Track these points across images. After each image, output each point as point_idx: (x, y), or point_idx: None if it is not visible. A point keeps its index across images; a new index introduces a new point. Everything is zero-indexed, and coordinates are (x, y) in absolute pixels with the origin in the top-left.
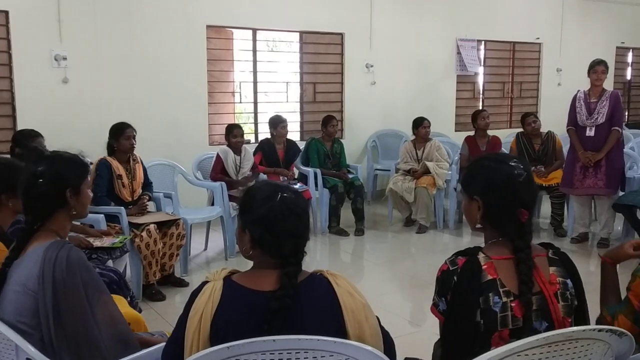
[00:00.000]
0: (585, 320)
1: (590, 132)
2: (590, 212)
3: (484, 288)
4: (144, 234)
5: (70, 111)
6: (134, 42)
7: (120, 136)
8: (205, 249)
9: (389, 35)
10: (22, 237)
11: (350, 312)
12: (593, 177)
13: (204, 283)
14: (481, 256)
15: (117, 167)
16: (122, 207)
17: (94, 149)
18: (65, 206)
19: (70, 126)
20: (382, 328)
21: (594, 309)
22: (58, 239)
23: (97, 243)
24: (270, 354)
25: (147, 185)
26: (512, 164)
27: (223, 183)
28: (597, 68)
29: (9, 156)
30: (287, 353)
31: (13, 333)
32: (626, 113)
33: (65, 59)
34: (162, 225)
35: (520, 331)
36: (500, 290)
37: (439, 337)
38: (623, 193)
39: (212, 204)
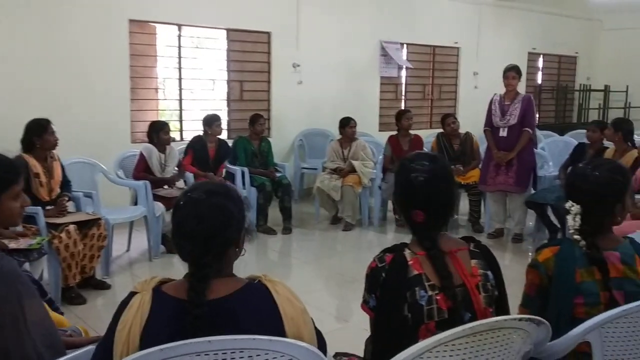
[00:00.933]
0: (505, 310)
1: (503, 133)
2: (505, 209)
3: (411, 283)
4: (63, 235)
5: None
6: (52, 33)
7: (45, 132)
8: (128, 250)
9: (316, 35)
10: None
11: (290, 319)
12: (504, 175)
13: (132, 294)
14: (407, 252)
15: (35, 165)
16: (39, 207)
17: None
18: None
19: None
20: (316, 329)
21: (512, 301)
22: None
23: (12, 245)
24: (205, 355)
25: (65, 184)
26: (416, 166)
27: (147, 182)
28: (508, 74)
29: None
30: (223, 354)
31: None
32: (537, 116)
33: None
34: (82, 226)
35: (445, 323)
36: (426, 284)
37: (366, 331)
38: (535, 191)
39: (136, 204)
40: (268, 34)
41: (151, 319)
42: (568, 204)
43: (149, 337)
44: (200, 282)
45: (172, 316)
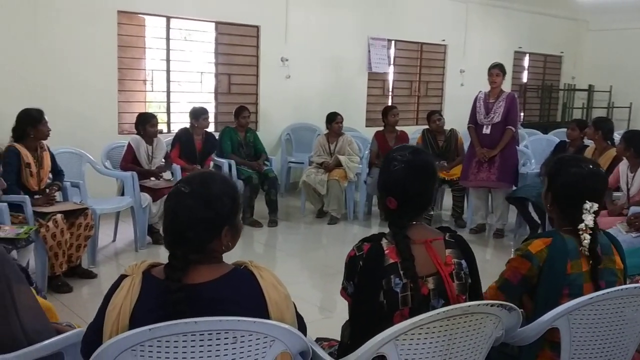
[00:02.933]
0: (478, 297)
1: (486, 130)
2: (487, 205)
3: (386, 271)
4: (50, 223)
5: None
6: (39, 24)
7: (39, 122)
8: (114, 240)
9: (304, 30)
10: None
11: (274, 303)
12: (487, 172)
13: (123, 277)
14: (384, 242)
15: (26, 155)
16: (27, 196)
17: None
18: None
19: None
20: (297, 313)
21: None
22: None
23: (0, 234)
24: (192, 335)
25: (57, 173)
26: (397, 155)
27: (134, 173)
28: (492, 71)
29: None
30: (209, 334)
31: None
32: (522, 114)
33: None
34: (70, 215)
35: (419, 309)
36: (401, 272)
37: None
38: (516, 187)
39: (122, 194)
40: (257, 27)
41: (140, 301)
42: (587, 205)
43: (138, 318)
44: (174, 271)
45: (160, 298)
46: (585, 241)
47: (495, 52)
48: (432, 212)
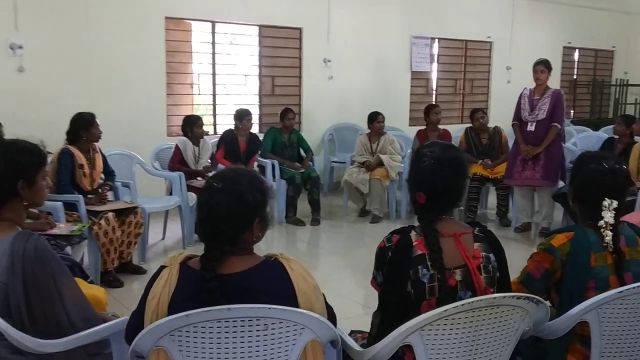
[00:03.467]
0: (507, 290)
1: (531, 127)
2: (532, 203)
3: (414, 262)
4: (102, 221)
5: (26, 100)
6: (91, 31)
7: (91, 125)
8: (163, 238)
9: (347, 30)
10: None
11: (303, 293)
12: (531, 170)
13: (162, 268)
14: (413, 234)
15: (80, 157)
16: (80, 196)
17: (49, 138)
18: (17, 196)
19: (25, 115)
20: (327, 304)
21: None
22: (20, 230)
23: (55, 230)
24: (226, 321)
25: (109, 174)
26: (427, 151)
27: (181, 173)
28: (536, 68)
29: None
30: (241, 321)
31: None
32: (572, 111)
33: (21, 47)
34: (121, 214)
35: (446, 300)
36: (428, 263)
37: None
38: (563, 185)
39: (171, 194)
40: (299, 29)
41: (178, 290)
42: (606, 202)
43: (176, 305)
44: (209, 261)
45: (196, 287)
46: (607, 238)
47: (543, 48)
48: (476, 211)
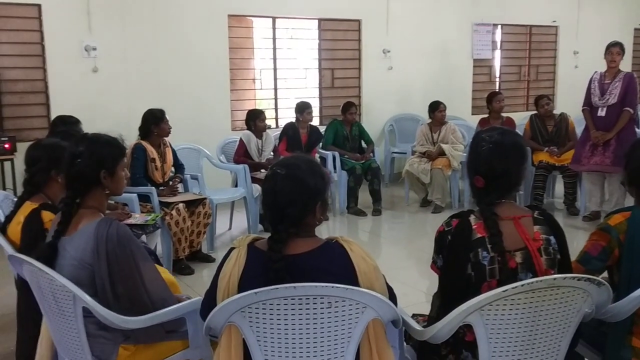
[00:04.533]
0: (568, 272)
1: (601, 113)
2: (602, 191)
3: (474, 245)
4: (173, 212)
5: (100, 99)
6: (159, 32)
7: (161, 121)
8: (230, 228)
9: (405, 20)
10: (66, 212)
11: (363, 273)
12: (601, 155)
13: (232, 249)
14: (472, 218)
15: (151, 151)
16: (153, 188)
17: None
18: (100, 185)
19: (100, 113)
20: (388, 285)
21: None
22: (103, 217)
23: (131, 220)
24: (292, 299)
25: (179, 167)
26: (486, 136)
27: (246, 165)
28: (612, 49)
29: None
30: (306, 299)
31: (71, 284)
32: None
33: (94, 49)
34: (190, 205)
35: (506, 282)
36: (488, 246)
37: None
38: None
39: (236, 186)
40: (358, 21)
41: (246, 270)
42: None
43: (245, 284)
44: (276, 243)
45: (264, 267)
46: None
47: (612, 31)
48: (543, 200)
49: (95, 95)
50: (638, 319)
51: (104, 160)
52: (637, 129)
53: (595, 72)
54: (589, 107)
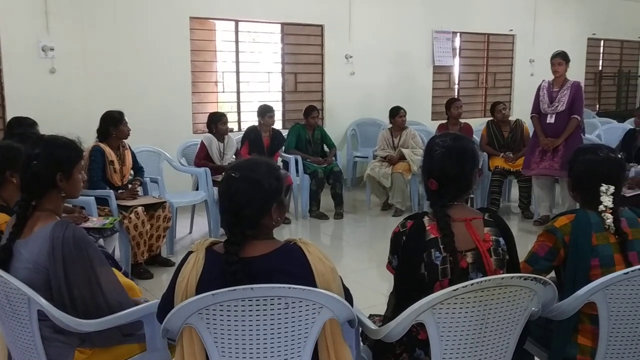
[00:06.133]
0: (516, 272)
1: (550, 119)
2: (552, 195)
3: (427, 245)
4: (132, 215)
5: (58, 100)
6: (120, 33)
7: (120, 123)
8: (191, 232)
9: (368, 27)
10: (21, 214)
11: (320, 275)
12: (550, 160)
13: (190, 253)
14: (426, 219)
15: (110, 154)
16: (111, 191)
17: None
18: (56, 188)
19: (58, 115)
20: (344, 286)
21: None
22: (59, 220)
23: (88, 224)
24: (249, 300)
25: (138, 170)
26: (439, 141)
27: (207, 169)
28: (554, 60)
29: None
30: (264, 300)
31: (26, 287)
32: (597, 103)
33: (52, 49)
34: (149, 208)
35: (458, 281)
36: (441, 246)
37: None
38: None
39: (197, 189)
40: (321, 27)
41: (204, 273)
42: (604, 187)
43: (203, 286)
44: (232, 246)
45: (221, 270)
46: (608, 220)
47: (566, 40)
48: (499, 204)
49: (52, 96)
50: (583, 317)
51: (61, 162)
52: (582, 136)
53: (544, 80)
54: (537, 114)
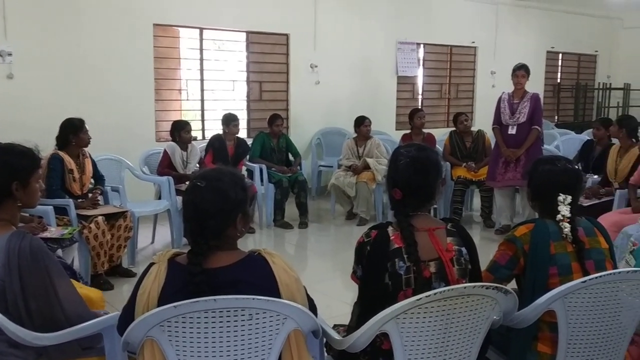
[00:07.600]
0: (478, 281)
1: (512, 131)
2: (513, 205)
3: (391, 255)
4: (92, 225)
5: (16, 107)
6: (80, 38)
7: (80, 131)
8: (153, 241)
9: (333, 36)
10: None
11: (285, 285)
12: (513, 171)
13: (151, 264)
14: (390, 229)
15: (69, 162)
16: (71, 200)
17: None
18: (12, 197)
19: (15, 121)
20: (308, 296)
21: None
22: (15, 230)
23: (46, 234)
24: (212, 312)
25: (98, 179)
26: (404, 151)
27: (170, 177)
28: (517, 72)
29: None
30: (227, 311)
31: None
32: (555, 114)
33: (10, 54)
34: (110, 218)
35: (421, 290)
36: (405, 256)
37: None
38: None
39: (159, 198)
40: (286, 35)
41: (167, 284)
42: (561, 197)
43: (165, 299)
44: (195, 256)
45: (184, 282)
46: (566, 229)
47: (526, 53)
48: (462, 213)
49: (10, 102)
50: (542, 325)
51: (17, 171)
52: (542, 147)
53: (504, 92)
54: (498, 125)
